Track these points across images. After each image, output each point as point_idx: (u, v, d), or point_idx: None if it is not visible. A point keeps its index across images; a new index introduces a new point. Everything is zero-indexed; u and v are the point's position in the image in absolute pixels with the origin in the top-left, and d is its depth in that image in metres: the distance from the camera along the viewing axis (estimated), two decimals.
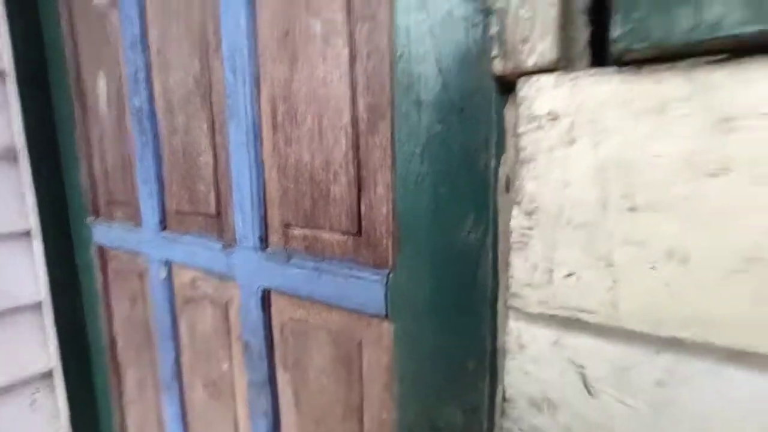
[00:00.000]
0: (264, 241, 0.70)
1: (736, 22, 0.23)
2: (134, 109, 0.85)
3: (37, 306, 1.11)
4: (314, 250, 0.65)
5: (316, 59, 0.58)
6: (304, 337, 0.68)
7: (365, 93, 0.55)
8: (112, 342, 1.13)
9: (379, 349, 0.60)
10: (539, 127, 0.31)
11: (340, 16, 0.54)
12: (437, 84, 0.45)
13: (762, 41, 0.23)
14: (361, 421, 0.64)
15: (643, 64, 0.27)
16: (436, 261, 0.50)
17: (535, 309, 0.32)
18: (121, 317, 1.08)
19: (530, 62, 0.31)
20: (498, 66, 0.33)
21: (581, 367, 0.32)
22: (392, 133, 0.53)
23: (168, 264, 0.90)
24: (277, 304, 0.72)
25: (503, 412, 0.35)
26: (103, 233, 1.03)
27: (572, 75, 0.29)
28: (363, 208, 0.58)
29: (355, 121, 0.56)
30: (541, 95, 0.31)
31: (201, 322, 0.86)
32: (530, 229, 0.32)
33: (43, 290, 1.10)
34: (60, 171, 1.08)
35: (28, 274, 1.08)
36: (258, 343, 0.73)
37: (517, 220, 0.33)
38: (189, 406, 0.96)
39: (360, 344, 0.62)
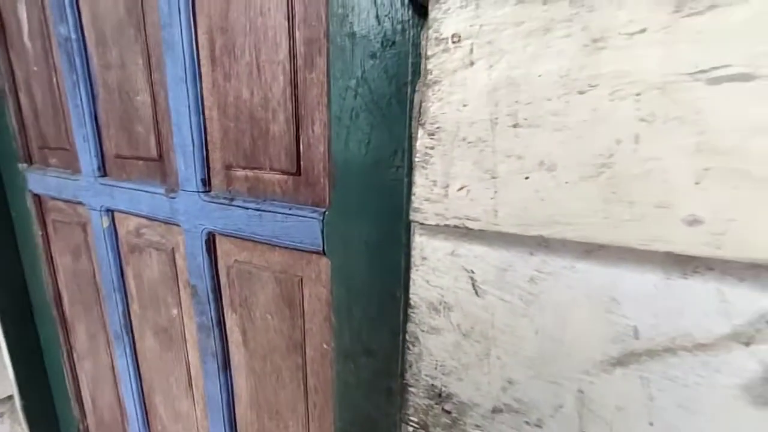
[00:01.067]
0: (206, 183, 0.70)
1: None
2: (61, 38, 0.79)
3: None
4: (256, 191, 0.65)
5: None
6: (248, 277, 0.70)
7: (302, 25, 0.54)
8: (58, 296, 1.10)
9: (318, 284, 0.63)
10: (445, 50, 0.33)
11: None
12: (371, 15, 0.46)
13: None
14: (304, 353, 0.68)
15: None
16: (366, 196, 0.52)
17: (433, 221, 0.35)
18: (66, 271, 1.05)
19: None
20: None
21: (471, 272, 0.36)
22: (327, 69, 0.53)
23: (110, 213, 0.87)
24: (222, 247, 0.73)
25: (408, 318, 0.39)
26: (38, 181, 0.98)
27: None
28: (302, 147, 0.58)
29: (293, 56, 0.55)
30: (448, 17, 0.33)
31: (148, 270, 0.86)
32: (432, 148, 0.35)
33: None
34: None
35: None
36: (205, 286, 0.74)
37: (421, 140, 0.35)
38: (141, 355, 0.96)
39: (301, 281, 0.65)
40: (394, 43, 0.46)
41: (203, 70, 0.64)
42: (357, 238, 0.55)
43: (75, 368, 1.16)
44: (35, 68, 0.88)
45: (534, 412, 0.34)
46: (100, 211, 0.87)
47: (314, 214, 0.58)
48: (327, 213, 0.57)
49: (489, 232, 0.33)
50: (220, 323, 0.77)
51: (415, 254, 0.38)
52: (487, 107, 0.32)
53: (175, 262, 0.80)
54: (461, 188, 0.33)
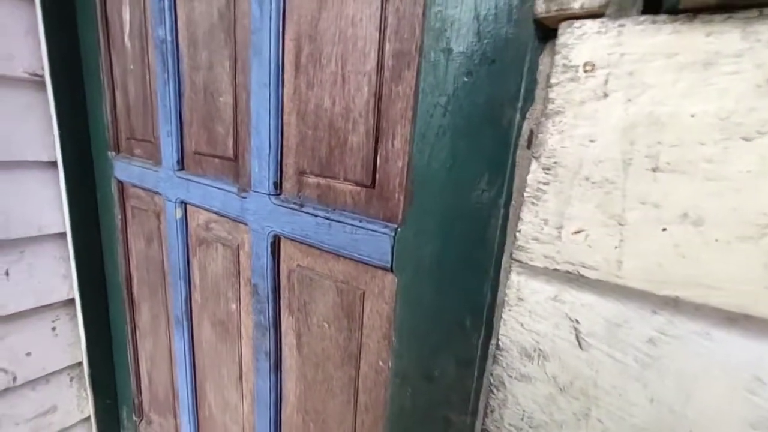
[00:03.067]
0: (278, 187, 0.71)
1: None
2: (158, 40, 0.84)
3: (61, 236, 1.16)
4: (327, 200, 0.65)
5: None
6: (309, 283, 0.71)
7: (394, 37, 0.53)
8: (129, 277, 1.18)
9: (381, 300, 0.62)
10: (573, 79, 0.30)
11: None
12: (471, 31, 0.44)
13: None
14: (357, 367, 0.67)
15: (697, 14, 0.26)
16: (446, 217, 0.50)
17: (540, 263, 0.32)
18: (138, 254, 1.13)
19: (576, 5, 0.29)
20: (540, 7, 0.31)
21: (576, 321, 0.32)
22: (416, 84, 0.51)
23: (184, 205, 0.92)
24: (286, 250, 0.74)
25: (495, 360, 0.37)
26: (123, 169, 1.06)
27: (619, 22, 0.28)
28: (379, 160, 0.57)
29: (380, 68, 0.54)
30: (581, 43, 0.30)
31: (212, 264, 0.89)
32: (546, 184, 0.32)
33: (66, 222, 1.15)
34: (84, 102, 1.09)
35: (53, 206, 1.12)
36: (265, 286, 0.76)
37: (534, 174, 0.32)
38: (197, 342, 1.01)
39: (363, 294, 0.64)
40: (494, 61, 0.43)
41: (286, 76, 0.66)
42: (430, 259, 0.53)
43: (137, 345, 1.25)
44: (131, 66, 0.95)
45: None
46: (175, 202, 0.92)
47: (385, 230, 0.57)
48: (399, 230, 0.55)
49: (606, 283, 0.30)
50: (276, 324, 0.78)
51: (510, 293, 0.35)
52: (620, 145, 0.29)
53: (238, 259, 0.83)
54: (578, 232, 0.30)
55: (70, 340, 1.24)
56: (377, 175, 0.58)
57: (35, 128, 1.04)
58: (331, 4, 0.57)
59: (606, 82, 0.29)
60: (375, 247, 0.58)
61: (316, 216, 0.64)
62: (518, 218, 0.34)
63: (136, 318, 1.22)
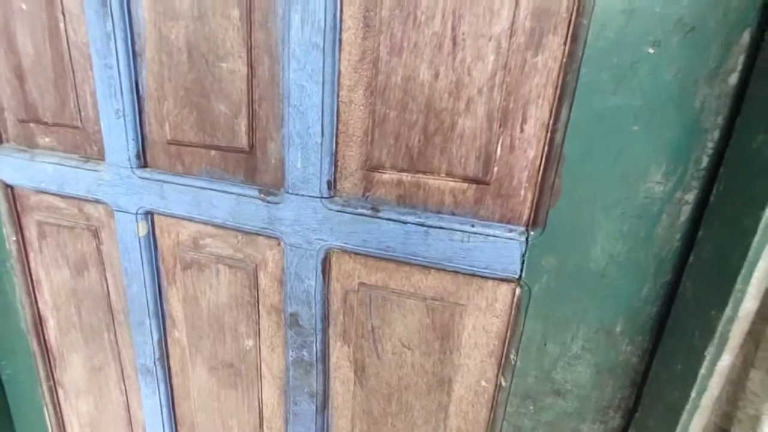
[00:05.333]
0: (332, 187, 0.53)
1: None
2: None
3: None
4: (411, 201, 0.51)
5: None
6: (382, 304, 0.56)
7: None
8: (40, 322, 0.83)
9: (489, 314, 0.52)
10: None
11: None
12: None
13: None
14: (450, 391, 0.57)
15: None
16: (606, 216, 0.43)
17: None
18: (57, 289, 0.79)
19: None
20: None
21: None
22: (567, 53, 0.41)
23: (149, 216, 0.65)
24: (341, 266, 0.57)
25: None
26: (15, 168, 0.70)
27: None
28: (500, 149, 0.46)
29: (512, 31, 0.42)
30: None
31: (209, 292, 0.66)
32: None
33: None
34: None
35: None
36: (313, 314, 0.59)
37: None
38: (181, 394, 0.76)
39: (463, 310, 0.53)
40: (693, 28, 0.36)
41: (345, 36, 0.48)
42: (578, 266, 0.45)
43: (60, 411, 0.90)
44: (24, 6, 0.60)
45: None
46: (136, 214, 0.64)
47: (512, 234, 0.47)
48: (532, 233, 0.46)
49: None
50: (325, 358, 0.62)
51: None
52: None
53: (257, 283, 0.62)
54: None
55: None
56: (495, 169, 0.47)
57: None
58: None
59: None
60: (496, 256, 0.48)
61: (405, 222, 0.50)
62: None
63: (58, 374, 0.87)
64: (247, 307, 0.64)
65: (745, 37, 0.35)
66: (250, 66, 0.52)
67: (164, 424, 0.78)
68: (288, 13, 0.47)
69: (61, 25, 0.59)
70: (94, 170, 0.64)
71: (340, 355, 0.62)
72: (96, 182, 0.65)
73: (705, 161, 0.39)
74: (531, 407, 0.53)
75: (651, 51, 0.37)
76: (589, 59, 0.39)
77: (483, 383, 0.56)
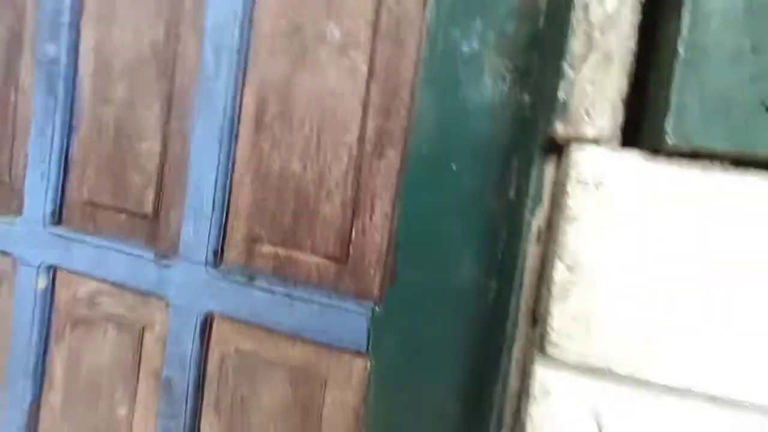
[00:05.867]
0: (218, 255, 0.59)
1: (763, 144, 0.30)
2: (44, 58, 0.65)
3: None
4: (284, 273, 0.57)
5: (327, 67, 0.54)
6: (251, 373, 0.58)
7: (377, 115, 0.53)
8: None
9: (347, 389, 0.55)
10: (586, 191, 0.34)
11: (363, 30, 0.52)
12: (459, 123, 0.47)
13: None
14: None
15: (671, 156, 0.33)
16: (430, 297, 0.49)
17: (573, 359, 0.33)
18: None
19: (589, 133, 0.34)
20: (559, 129, 0.35)
21: (599, 414, 0.34)
22: (401, 161, 0.51)
23: (51, 271, 0.68)
24: (220, 332, 0.60)
25: None
26: None
27: (618, 151, 0.34)
28: (354, 233, 0.54)
29: (362, 141, 0.53)
30: (592, 162, 0.34)
31: (93, 353, 0.66)
32: (572, 283, 0.34)
33: None
34: None
35: None
36: (185, 380, 0.59)
37: (560, 273, 0.35)
38: None
39: (324, 383, 0.55)
40: (478, 156, 0.47)
41: (242, 132, 0.58)
42: (413, 343, 0.50)
43: None
44: None
45: None
46: (38, 267, 0.67)
47: (361, 309, 0.52)
48: (377, 309, 0.52)
49: (632, 378, 0.32)
50: (194, 429, 0.61)
51: (536, 387, 0.35)
52: (630, 252, 0.33)
53: (141, 345, 0.64)
54: (607, 329, 0.33)
55: None
56: (351, 250, 0.54)
57: None
58: (308, 70, 0.54)
59: (613, 198, 0.34)
60: (347, 328, 0.52)
61: (274, 292, 0.55)
62: (545, 315, 0.35)
63: None
64: (127, 370, 0.64)
65: (516, 160, 0.46)
66: (164, 147, 0.62)
67: None
68: (198, 109, 0.58)
69: (12, 97, 0.69)
70: (8, 223, 0.69)
71: (210, 428, 0.61)
72: (7, 234, 0.69)
73: (519, 267, 0.47)
74: None
75: (453, 167, 0.48)
76: (411, 166, 0.49)
77: None
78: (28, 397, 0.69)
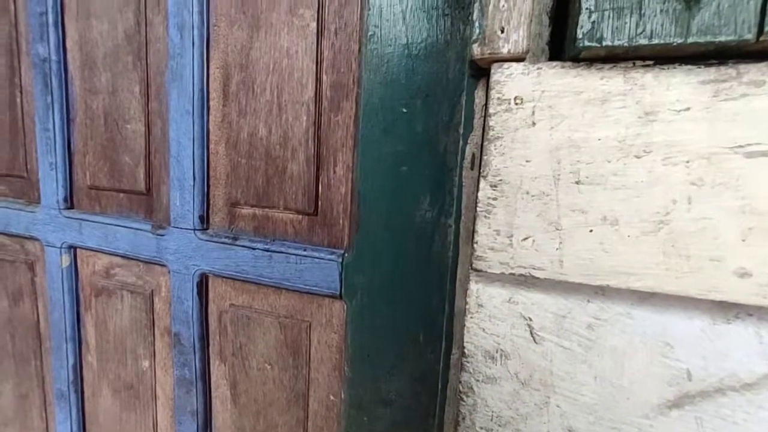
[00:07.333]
0: (205, 221, 0.65)
1: (665, 34, 0.30)
2: (36, 58, 0.72)
3: None
4: (264, 231, 0.62)
5: (279, 28, 0.56)
6: (246, 323, 0.65)
7: (330, 70, 0.55)
8: None
9: (329, 330, 0.60)
10: (507, 110, 0.36)
11: None
12: (406, 68, 0.48)
13: (680, 53, 0.31)
14: (306, 406, 0.63)
15: (593, 63, 0.33)
16: (393, 239, 0.52)
17: (497, 269, 0.36)
18: None
19: (504, 50, 0.35)
20: (476, 50, 0.36)
21: (529, 319, 0.37)
22: (356, 113, 0.54)
23: (72, 250, 0.77)
24: (216, 289, 0.67)
25: (462, 367, 0.39)
26: None
27: (537, 66, 0.34)
28: (321, 187, 0.57)
29: (318, 98, 0.55)
30: (511, 81, 0.35)
31: (116, 317, 0.75)
32: (494, 199, 0.36)
33: None
34: None
35: None
36: (191, 334, 0.67)
37: (483, 191, 0.37)
38: (91, 417, 0.82)
39: (309, 327, 0.61)
40: (428, 95, 0.49)
41: (212, 103, 0.62)
42: (380, 282, 0.54)
43: None
44: None
45: None
46: (60, 248, 0.76)
47: (332, 256, 0.56)
48: (347, 255, 0.56)
49: (550, 281, 0.35)
50: (205, 376, 0.69)
51: (471, 301, 0.38)
52: (550, 164, 0.35)
53: (153, 307, 0.72)
54: (526, 238, 0.35)
55: None
56: (320, 203, 0.58)
57: None
58: (264, 36, 0.57)
59: (533, 113, 0.35)
60: (322, 275, 0.57)
61: (254, 249, 0.60)
62: (472, 232, 0.37)
63: None
64: (144, 329, 0.73)
65: (463, 101, 0.47)
66: (148, 127, 0.67)
67: None
68: (171, 87, 0.63)
69: (18, 99, 0.76)
70: (32, 212, 0.78)
71: (218, 373, 0.69)
72: (32, 222, 0.78)
73: (456, 193, 0.49)
74: (365, 419, 0.58)
75: (404, 111, 0.50)
76: (364, 117, 0.51)
77: (332, 397, 0.61)
78: (71, 359, 0.80)
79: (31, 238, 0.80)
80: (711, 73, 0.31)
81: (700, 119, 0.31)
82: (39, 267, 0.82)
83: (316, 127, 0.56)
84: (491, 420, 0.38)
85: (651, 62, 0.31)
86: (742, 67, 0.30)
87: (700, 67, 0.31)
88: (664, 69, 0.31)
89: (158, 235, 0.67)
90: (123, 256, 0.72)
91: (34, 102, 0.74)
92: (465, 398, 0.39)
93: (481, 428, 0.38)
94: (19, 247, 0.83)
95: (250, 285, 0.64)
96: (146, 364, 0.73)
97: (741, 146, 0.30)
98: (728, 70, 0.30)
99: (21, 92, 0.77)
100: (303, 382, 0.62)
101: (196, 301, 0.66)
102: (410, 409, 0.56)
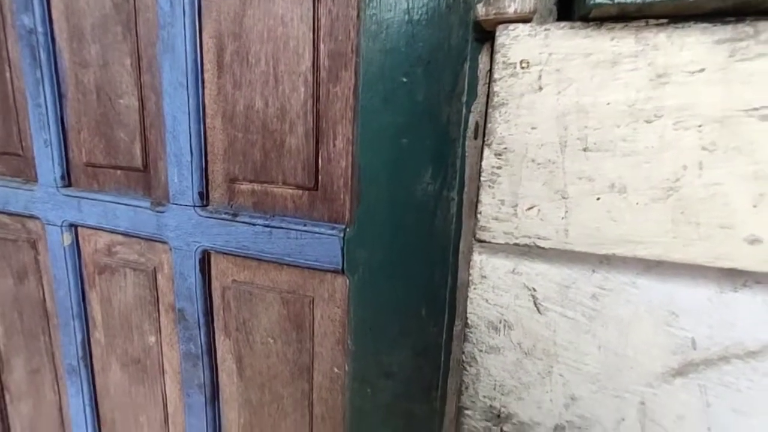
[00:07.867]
0: (204, 197, 0.64)
1: None
2: (23, 30, 0.69)
3: None
4: (264, 206, 0.61)
5: None
6: (249, 299, 0.65)
7: (328, 38, 0.53)
8: None
9: (332, 304, 0.60)
10: (513, 74, 0.34)
11: None
12: (406, 34, 0.46)
13: (696, 9, 0.29)
14: (311, 379, 0.64)
15: (603, 23, 0.32)
16: (395, 213, 0.52)
17: (501, 239, 0.35)
18: (4, 297, 0.90)
19: (511, 10, 0.33)
20: (481, 11, 0.34)
21: (533, 290, 0.36)
22: (355, 84, 0.52)
23: (73, 228, 0.77)
24: (218, 266, 0.67)
25: (465, 338, 0.39)
26: None
27: (545, 27, 0.33)
28: (320, 161, 0.56)
29: (316, 68, 0.53)
30: (517, 43, 0.34)
31: (120, 294, 0.76)
32: (499, 168, 0.35)
33: None
34: None
35: None
36: (195, 309, 0.67)
37: (487, 160, 0.36)
38: (102, 391, 0.84)
39: (312, 301, 0.61)
40: (429, 62, 0.47)
41: (207, 76, 0.60)
42: (382, 255, 0.53)
43: (5, 413, 0.98)
44: None
45: (596, 428, 0.35)
46: (61, 226, 0.76)
47: (333, 231, 0.56)
48: (348, 229, 0.55)
49: (555, 251, 0.34)
50: (210, 351, 0.70)
51: (474, 272, 0.38)
52: (556, 131, 0.33)
53: (156, 284, 0.72)
54: (531, 208, 0.34)
55: None
56: (320, 177, 0.57)
57: None
58: (257, 2, 0.54)
59: (540, 77, 0.33)
60: (323, 251, 0.56)
61: (254, 224, 0.60)
62: (475, 203, 0.37)
63: (4, 378, 0.96)
64: (148, 306, 0.73)
65: (466, 67, 0.45)
66: (141, 101, 0.65)
67: (87, 423, 0.85)
68: (163, 59, 0.60)
69: (7, 74, 0.74)
70: (30, 190, 0.77)
71: (223, 348, 0.70)
72: (31, 200, 0.77)
73: (458, 164, 0.48)
74: (368, 391, 0.59)
75: (404, 80, 0.48)
76: (364, 87, 0.49)
77: (335, 370, 0.62)
78: (79, 336, 0.81)
79: (32, 217, 0.80)
80: (728, 31, 0.29)
81: (715, 81, 0.29)
82: (41, 245, 0.82)
83: (314, 99, 0.54)
84: (494, 389, 0.38)
85: (665, 20, 0.29)
86: (761, 25, 0.28)
87: (716, 26, 0.29)
88: (678, 28, 0.29)
89: (158, 212, 0.66)
90: (124, 234, 0.72)
91: (23, 77, 0.71)
92: (468, 368, 0.39)
93: (484, 397, 0.38)
94: (21, 226, 0.83)
95: (252, 261, 0.64)
96: (152, 339, 0.75)
97: (756, 109, 0.29)
98: (746, 28, 0.28)
99: (10, 66, 0.74)
100: (307, 356, 0.63)
101: (199, 278, 0.66)
102: (413, 380, 0.56)
